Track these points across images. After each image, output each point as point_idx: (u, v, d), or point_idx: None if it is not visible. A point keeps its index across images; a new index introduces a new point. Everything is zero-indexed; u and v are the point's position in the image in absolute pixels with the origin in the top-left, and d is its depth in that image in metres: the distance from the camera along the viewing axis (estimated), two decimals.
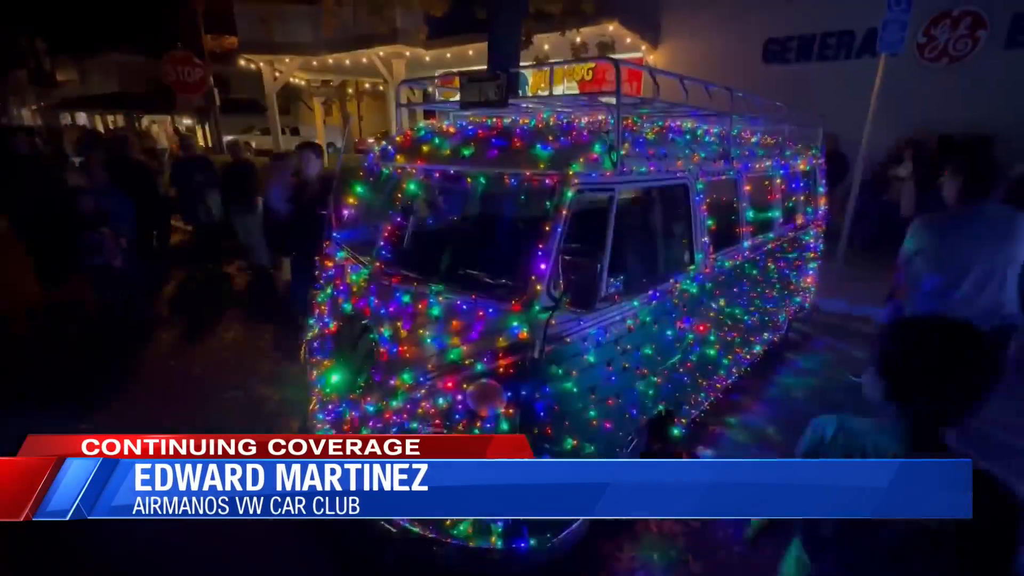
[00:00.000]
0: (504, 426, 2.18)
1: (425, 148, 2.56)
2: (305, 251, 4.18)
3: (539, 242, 2.16)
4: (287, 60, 13.89)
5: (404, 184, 2.64)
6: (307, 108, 24.14)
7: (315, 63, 13.93)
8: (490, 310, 2.19)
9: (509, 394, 2.15)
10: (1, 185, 5.78)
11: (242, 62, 14.42)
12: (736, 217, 3.54)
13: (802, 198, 4.69)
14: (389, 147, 2.78)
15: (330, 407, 2.68)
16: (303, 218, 4.40)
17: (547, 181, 2.25)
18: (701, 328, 3.10)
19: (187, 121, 24.45)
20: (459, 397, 2.22)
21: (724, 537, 2.81)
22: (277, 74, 14.56)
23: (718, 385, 3.65)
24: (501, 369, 2.15)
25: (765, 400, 4.30)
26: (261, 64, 14.26)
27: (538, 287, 2.12)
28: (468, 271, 2.39)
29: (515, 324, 2.13)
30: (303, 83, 17.94)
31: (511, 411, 2.16)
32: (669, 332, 2.77)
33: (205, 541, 2.54)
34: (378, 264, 2.55)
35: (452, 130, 2.66)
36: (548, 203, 2.22)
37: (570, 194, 2.21)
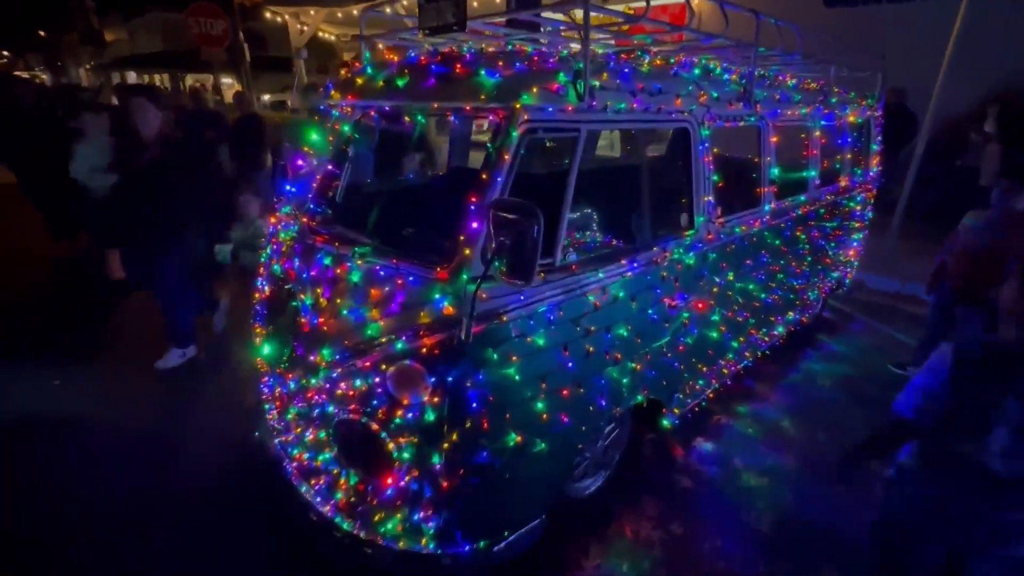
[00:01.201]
0: (429, 416, 1.82)
1: (359, 82, 2.13)
2: (143, 244, 3.23)
3: (474, 195, 1.72)
4: (312, 12, 13.49)
5: (337, 126, 2.23)
6: (342, 64, 23.72)
7: (340, 15, 13.47)
8: (411, 278, 1.80)
9: (433, 379, 1.78)
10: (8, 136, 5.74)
11: (268, 15, 14.10)
12: (756, 174, 2.96)
13: (849, 156, 3.98)
14: (330, 84, 2.37)
15: (266, 380, 2.40)
16: (132, 196, 3.18)
17: (491, 117, 1.79)
18: (700, 306, 2.61)
19: (227, 80, 24.59)
20: (377, 380, 1.86)
21: (710, 550, 2.41)
22: (303, 27, 14.21)
23: (724, 371, 3.16)
24: (424, 350, 1.77)
25: (784, 388, 3.77)
26: (286, 16, 13.91)
27: (467, 251, 1.70)
28: (396, 230, 1.99)
29: (440, 296, 1.73)
30: (332, 38, 17.55)
31: (436, 400, 1.79)
32: (653, 310, 2.30)
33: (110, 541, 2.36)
34: (304, 220, 2.19)
35: (394, 59, 2.22)
36: (490, 145, 1.77)
37: (516, 134, 1.75)
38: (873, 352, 4.27)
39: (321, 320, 2.01)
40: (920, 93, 6.28)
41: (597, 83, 1.94)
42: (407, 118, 2.01)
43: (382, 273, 1.86)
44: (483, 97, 1.77)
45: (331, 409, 1.96)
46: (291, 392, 2.16)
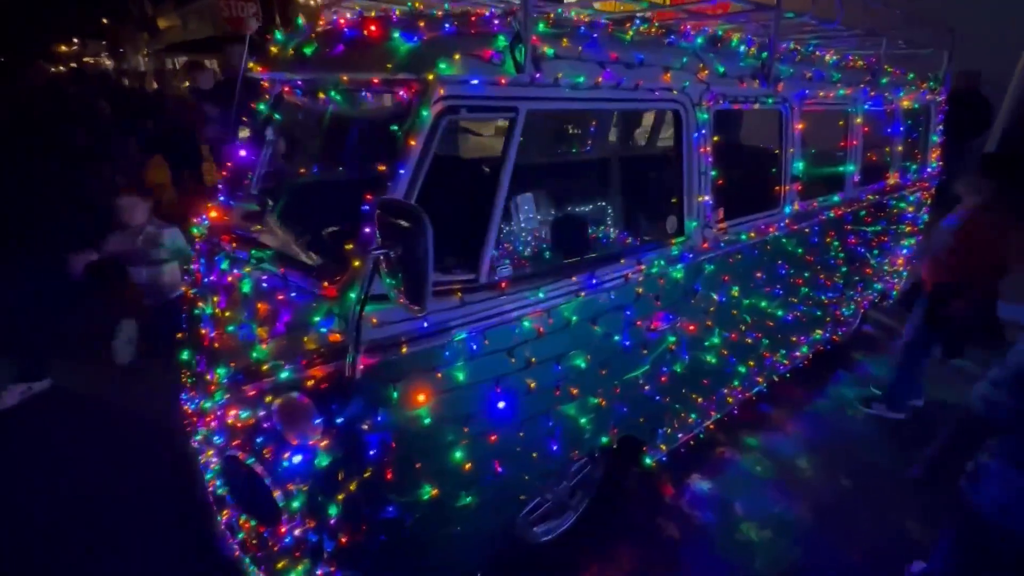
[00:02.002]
0: (322, 461, 1.48)
1: (273, 51, 1.78)
2: None
3: (369, 193, 1.35)
4: None
5: (254, 104, 1.90)
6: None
7: None
8: (296, 293, 1.45)
9: (320, 419, 1.44)
10: None
11: None
12: (776, 168, 2.45)
13: (901, 148, 3.36)
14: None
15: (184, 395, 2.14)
16: None
17: (401, 92, 1.41)
18: (692, 328, 2.16)
19: None
20: (263, 413, 1.54)
21: None
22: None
23: (729, 399, 2.70)
24: (311, 382, 1.43)
25: (806, 417, 3.25)
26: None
27: (357, 263, 1.34)
28: (293, 232, 1.65)
29: (325, 317, 1.38)
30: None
31: (327, 443, 1.46)
32: (625, 335, 1.88)
33: None
34: (214, 214, 1.87)
35: (322, 22, 1.86)
36: (395, 128, 1.39)
37: (427, 113, 1.36)
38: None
39: (216, 334, 1.70)
40: (997, 77, 5.43)
41: (551, 50, 1.52)
42: (321, 94, 1.65)
43: (267, 284, 1.53)
44: (390, 66, 1.39)
45: (219, 441, 1.66)
46: (196, 412, 1.89)
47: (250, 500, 1.67)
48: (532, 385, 1.64)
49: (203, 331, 1.78)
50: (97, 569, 2.17)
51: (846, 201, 2.93)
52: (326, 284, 1.39)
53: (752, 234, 2.28)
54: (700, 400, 2.44)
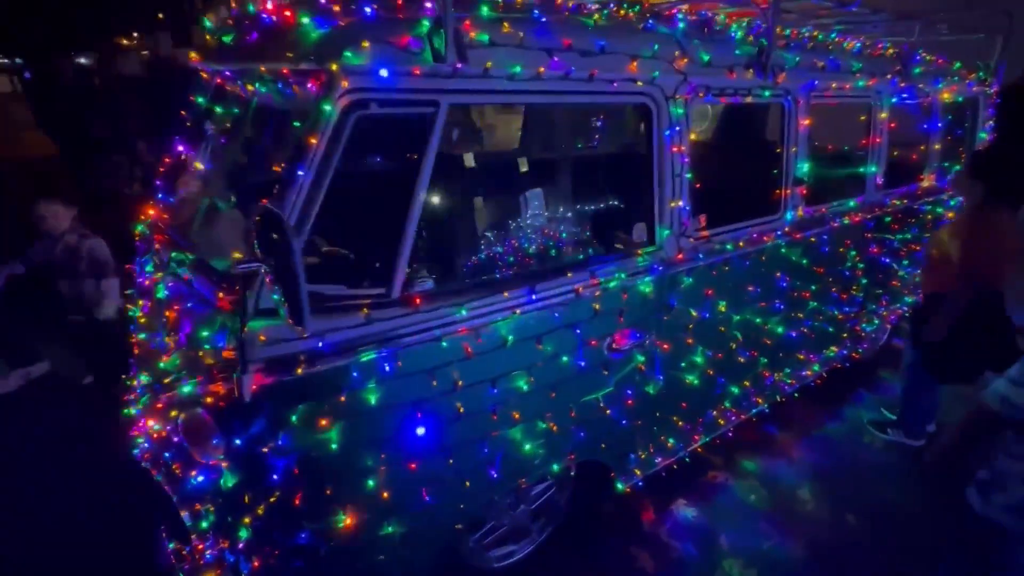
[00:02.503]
0: (227, 482, 1.38)
1: (207, 39, 1.67)
2: None
3: (267, 198, 1.22)
4: None
5: (192, 96, 1.80)
6: None
7: None
8: (190, 304, 1.35)
9: (218, 439, 1.33)
10: None
11: None
12: (777, 169, 2.19)
13: (938, 146, 3.00)
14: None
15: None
16: None
17: (308, 84, 1.27)
18: (665, 346, 1.95)
19: None
20: (170, 427, 1.45)
21: None
22: None
23: (720, 421, 2.46)
24: (211, 398, 1.32)
25: (815, 442, 2.96)
26: None
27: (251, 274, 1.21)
28: (209, 237, 1.54)
29: (219, 331, 1.27)
30: None
31: (229, 463, 1.35)
32: (580, 355, 1.69)
33: None
34: (151, 212, 1.80)
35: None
36: (297, 124, 1.25)
37: (331, 109, 1.21)
38: (950, 398, 3.29)
39: (139, 339, 1.63)
40: None
41: (484, 36, 1.34)
42: (249, 86, 1.53)
43: (175, 291, 1.43)
44: (291, 55, 1.26)
45: (136, 452, 1.59)
46: (128, 420, 1.82)
47: (166, 514, 1.59)
48: (461, 409, 1.49)
49: (132, 336, 1.71)
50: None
51: (866, 206, 2.62)
52: (221, 295, 1.28)
53: (742, 243, 2.04)
54: (681, 423, 2.22)
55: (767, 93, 2.00)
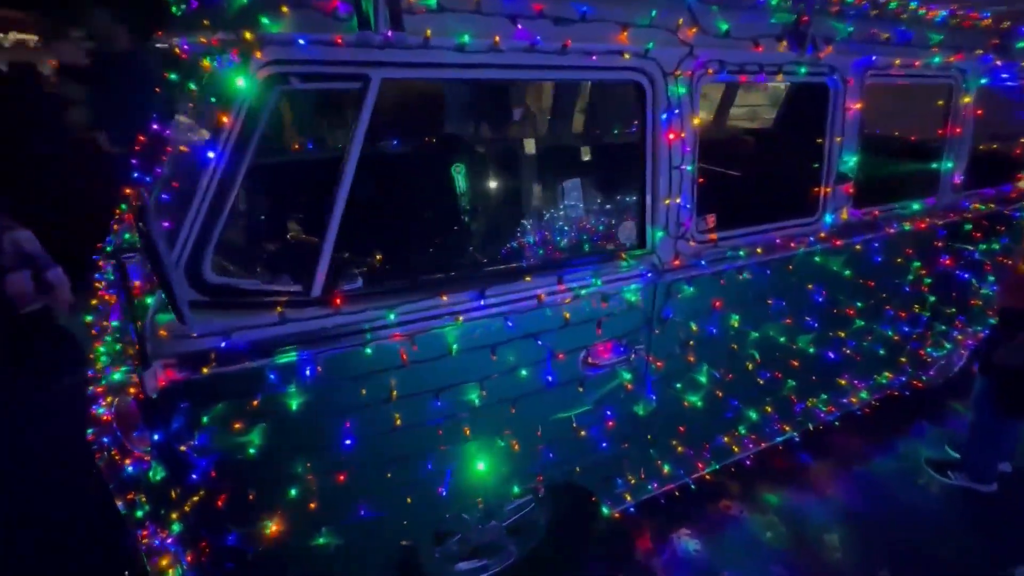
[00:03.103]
0: (157, 475, 1.33)
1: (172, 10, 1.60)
2: None
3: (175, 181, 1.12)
4: None
5: (165, 73, 1.74)
6: None
7: None
8: (116, 288, 1.28)
9: (139, 431, 1.28)
10: None
11: None
12: (818, 163, 1.84)
13: None
14: None
15: None
16: None
17: (231, 56, 1.14)
18: (659, 364, 1.70)
19: None
20: (105, 413, 1.42)
21: None
22: None
23: (734, 448, 2.17)
24: (134, 388, 1.27)
25: (856, 478, 2.58)
26: None
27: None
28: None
29: (130, 321, 1.19)
30: None
31: (148, 457, 1.30)
32: (545, 369, 1.49)
33: None
34: (128, 192, 1.77)
35: None
36: (212, 99, 1.13)
37: (244, 82, 1.08)
38: None
39: (94, 321, 1.61)
40: None
41: (432, 0, 1.16)
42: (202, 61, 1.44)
43: (112, 271, 1.38)
44: (207, 23, 1.14)
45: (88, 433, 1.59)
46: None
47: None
48: (398, 421, 1.35)
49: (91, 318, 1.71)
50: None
51: (938, 210, 2.19)
52: (136, 284, 1.20)
53: (760, 249, 1.73)
54: (682, 448, 1.97)
55: (802, 70, 1.66)
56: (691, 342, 1.74)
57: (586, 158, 1.75)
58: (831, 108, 1.78)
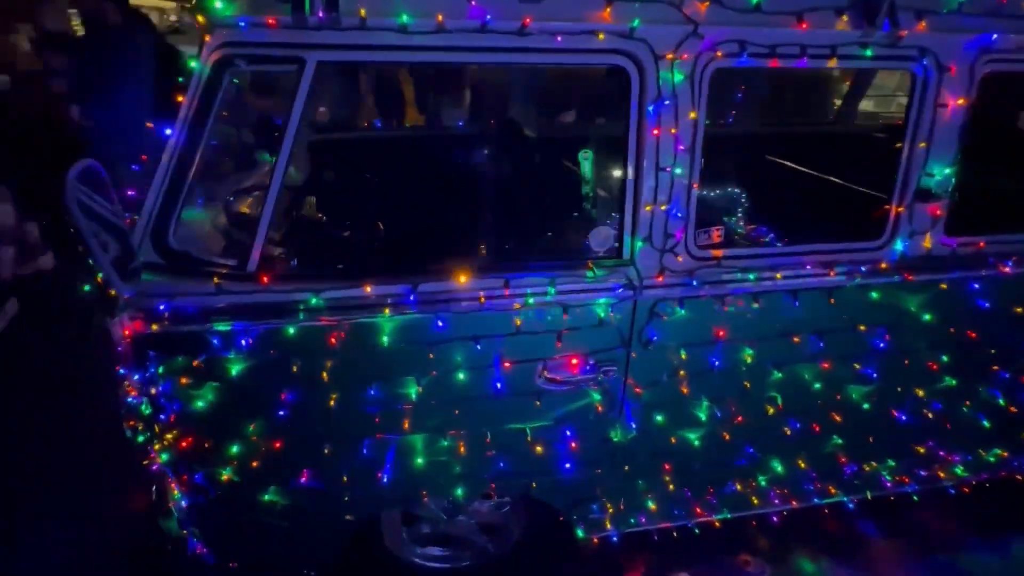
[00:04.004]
0: (145, 408, 1.53)
1: None
2: None
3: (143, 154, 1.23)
4: None
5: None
6: None
7: None
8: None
9: (125, 369, 1.46)
10: None
11: None
12: (890, 173, 1.44)
13: None
14: None
15: None
16: None
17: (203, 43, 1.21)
18: (638, 390, 1.50)
19: None
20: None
21: None
22: None
23: (753, 500, 1.87)
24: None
25: (931, 565, 2.07)
26: None
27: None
28: None
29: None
30: None
31: (135, 392, 1.49)
32: (492, 377, 1.39)
33: None
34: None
35: None
36: (180, 80, 1.21)
37: (197, 64, 1.14)
38: None
39: None
40: None
41: None
42: None
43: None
44: (192, 4, 1.21)
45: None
46: None
47: None
48: (331, 402, 1.37)
49: None
50: None
51: None
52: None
53: (780, 275, 1.41)
54: (674, 487, 1.74)
55: (867, 52, 1.29)
56: (683, 372, 1.51)
57: (544, 148, 1.56)
58: (916, 102, 1.37)
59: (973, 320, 1.62)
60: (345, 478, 1.48)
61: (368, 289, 1.25)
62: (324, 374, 1.33)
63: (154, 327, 1.27)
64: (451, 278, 1.28)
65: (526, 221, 1.52)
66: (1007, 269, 1.55)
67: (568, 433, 1.53)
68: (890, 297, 1.53)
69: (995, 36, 1.35)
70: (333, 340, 1.30)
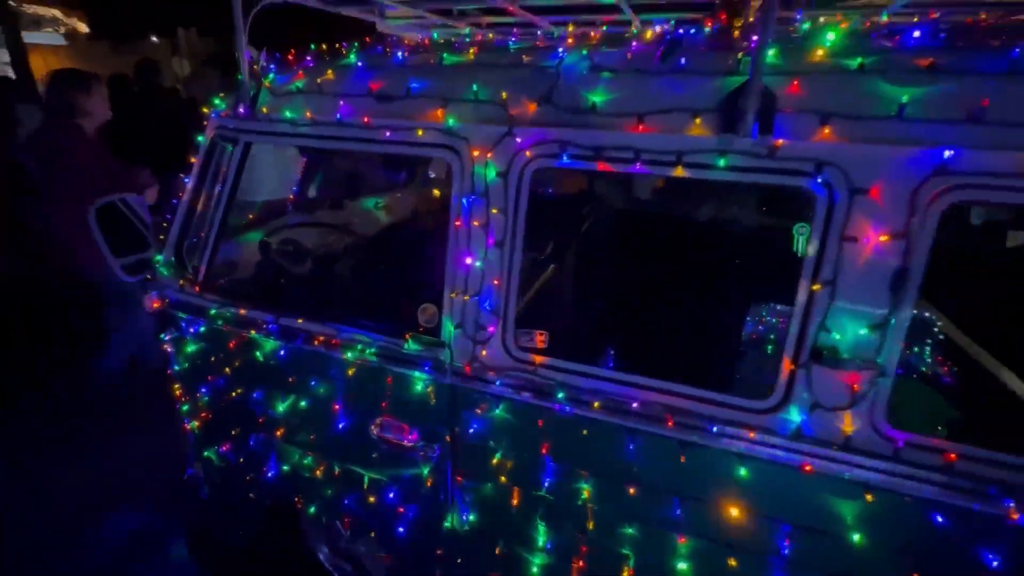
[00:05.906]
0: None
1: None
2: None
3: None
4: None
5: None
6: None
7: None
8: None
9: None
10: None
11: None
12: (778, 315, 1.07)
13: None
14: None
15: None
16: None
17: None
18: (459, 478, 1.43)
19: None
20: None
21: None
22: None
23: None
24: None
25: None
26: None
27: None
28: None
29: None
30: None
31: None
32: (325, 412, 1.54)
33: None
34: None
35: None
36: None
37: (202, 138, 1.70)
38: None
39: None
40: None
41: (299, 84, 1.48)
42: None
43: None
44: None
45: None
46: None
47: None
48: (235, 395, 1.74)
49: None
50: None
51: None
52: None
53: (598, 404, 1.18)
54: None
55: (721, 162, 1.02)
56: (509, 464, 1.38)
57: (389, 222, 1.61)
58: (814, 231, 1.01)
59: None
60: (246, 463, 1.83)
61: (243, 312, 1.59)
62: (226, 369, 1.73)
63: (155, 304, 1.87)
64: (299, 318, 1.54)
65: (371, 284, 1.65)
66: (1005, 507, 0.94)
67: (402, 496, 1.56)
68: (770, 482, 1.11)
69: (955, 152, 0.91)
70: (231, 345, 1.69)
